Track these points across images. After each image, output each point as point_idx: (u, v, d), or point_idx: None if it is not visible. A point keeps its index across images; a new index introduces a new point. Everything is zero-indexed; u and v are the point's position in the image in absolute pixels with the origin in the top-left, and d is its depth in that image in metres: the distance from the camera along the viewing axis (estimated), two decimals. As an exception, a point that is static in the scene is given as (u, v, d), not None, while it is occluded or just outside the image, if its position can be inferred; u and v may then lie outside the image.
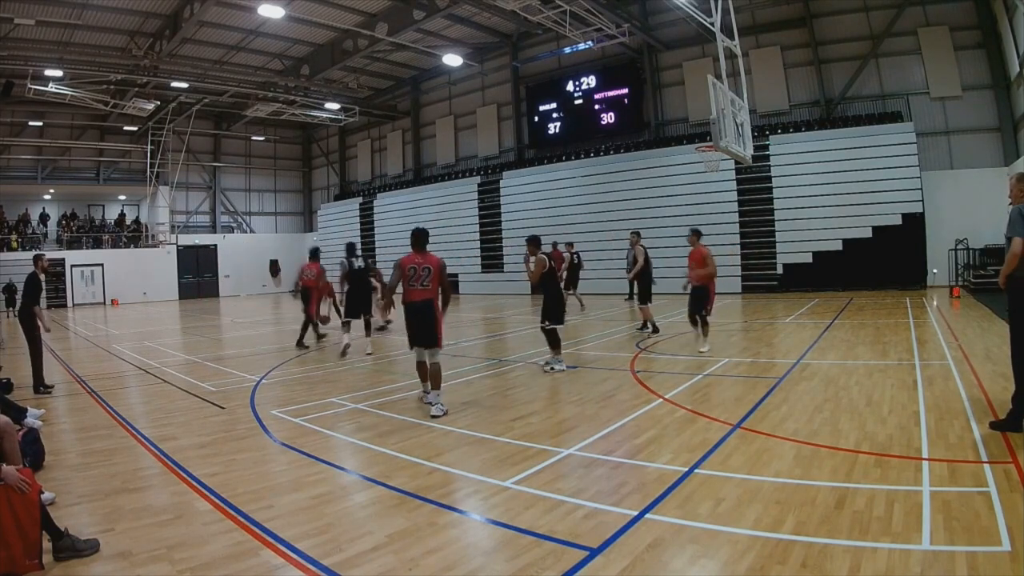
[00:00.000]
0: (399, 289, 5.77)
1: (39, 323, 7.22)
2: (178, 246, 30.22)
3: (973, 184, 16.45)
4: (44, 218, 29.36)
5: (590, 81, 23.59)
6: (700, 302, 8.36)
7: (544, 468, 4.06)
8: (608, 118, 23.28)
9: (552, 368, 7.52)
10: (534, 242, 7.63)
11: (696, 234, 8.64)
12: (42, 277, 7.40)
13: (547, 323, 7.63)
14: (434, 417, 5.43)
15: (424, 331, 5.68)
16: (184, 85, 23.55)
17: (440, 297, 5.78)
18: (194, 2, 18.40)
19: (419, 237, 5.78)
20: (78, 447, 4.92)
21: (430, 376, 5.77)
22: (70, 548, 2.98)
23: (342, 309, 9.98)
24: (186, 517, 3.44)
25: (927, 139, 17.30)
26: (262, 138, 34.31)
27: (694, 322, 8.52)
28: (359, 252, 10.37)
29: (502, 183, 24.76)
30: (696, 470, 3.87)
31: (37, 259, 7.46)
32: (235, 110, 28.40)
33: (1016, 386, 4.30)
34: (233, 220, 34.49)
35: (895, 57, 18.05)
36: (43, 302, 7.69)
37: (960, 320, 10.57)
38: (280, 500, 3.66)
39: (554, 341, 7.66)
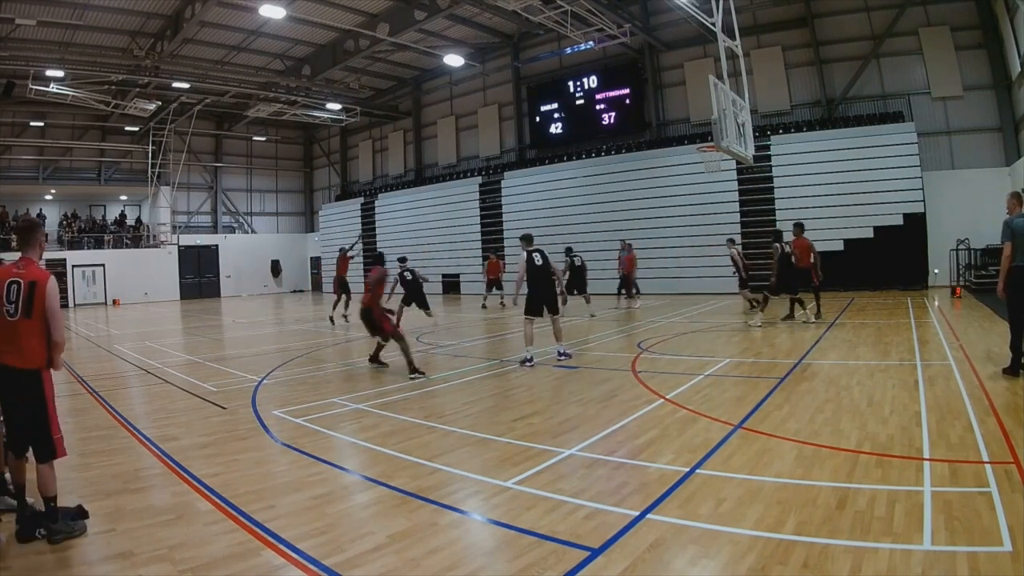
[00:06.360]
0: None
1: None
2: (179, 246, 30.27)
3: (974, 184, 16.43)
4: (43, 218, 29.36)
5: (591, 81, 23.57)
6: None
7: (545, 468, 4.06)
8: (609, 118, 23.26)
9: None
10: (778, 237, 9.83)
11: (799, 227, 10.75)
12: None
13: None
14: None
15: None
16: (185, 85, 23.57)
17: None
18: (195, 2, 18.42)
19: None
20: (79, 447, 4.91)
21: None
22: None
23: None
24: (187, 517, 3.44)
25: (928, 139, 17.28)
26: (263, 138, 34.32)
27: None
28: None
29: (503, 183, 24.76)
30: (697, 470, 3.87)
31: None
32: (236, 110, 28.42)
33: (1012, 337, 5.66)
34: (234, 220, 34.51)
35: (896, 57, 18.03)
36: None
37: (961, 320, 10.56)
38: (281, 500, 3.66)
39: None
